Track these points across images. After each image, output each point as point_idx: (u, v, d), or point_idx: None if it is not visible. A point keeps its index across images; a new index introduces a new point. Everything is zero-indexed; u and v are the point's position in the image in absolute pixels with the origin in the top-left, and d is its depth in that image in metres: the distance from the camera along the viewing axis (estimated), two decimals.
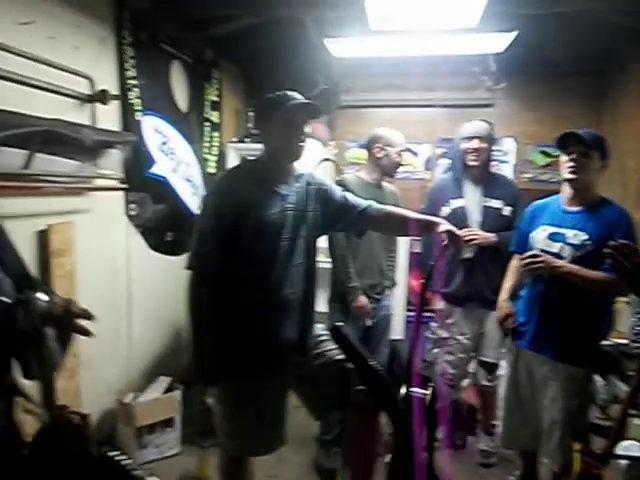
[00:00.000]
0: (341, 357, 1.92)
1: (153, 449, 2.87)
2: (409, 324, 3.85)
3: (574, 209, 2.20)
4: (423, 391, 1.64)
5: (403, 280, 3.78)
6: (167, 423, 2.92)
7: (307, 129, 1.92)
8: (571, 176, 2.15)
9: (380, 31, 3.12)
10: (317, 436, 2.75)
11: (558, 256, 2.14)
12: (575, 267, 2.08)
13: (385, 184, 2.89)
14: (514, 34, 3.23)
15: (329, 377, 1.99)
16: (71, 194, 2.55)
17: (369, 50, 3.60)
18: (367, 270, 2.79)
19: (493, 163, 2.95)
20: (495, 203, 2.77)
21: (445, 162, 4.44)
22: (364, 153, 2.92)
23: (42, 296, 1.27)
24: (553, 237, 2.20)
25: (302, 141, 1.90)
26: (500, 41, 3.38)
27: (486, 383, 2.92)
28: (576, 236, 2.13)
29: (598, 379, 2.67)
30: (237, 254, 1.85)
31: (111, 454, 0.97)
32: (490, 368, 2.90)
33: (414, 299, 3.82)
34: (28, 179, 2.13)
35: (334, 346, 1.98)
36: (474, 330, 2.87)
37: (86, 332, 1.32)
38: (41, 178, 2.19)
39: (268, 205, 1.86)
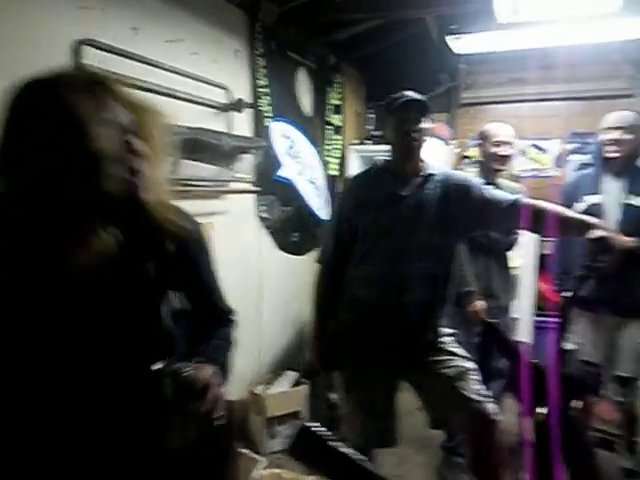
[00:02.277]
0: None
1: (281, 440, 2.99)
2: (538, 330, 3.66)
3: None
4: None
5: (531, 283, 3.60)
6: (295, 416, 3.04)
7: (423, 127, 1.89)
8: None
9: (508, 24, 3.01)
10: (441, 443, 2.72)
11: None
12: None
13: (504, 181, 2.77)
14: None
15: (445, 391, 1.91)
16: (212, 197, 2.75)
17: (494, 45, 3.48)
18: (485, 278, 2.70)
19: None
20: (639, 201, 2.55)
21: (577, 158, 4.16)
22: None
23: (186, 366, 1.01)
24: None
25: (415, 139, 1.88)
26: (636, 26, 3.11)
27: (617, 398, 2.69)
28: None
29: None
30: (356, 253, 1.93)
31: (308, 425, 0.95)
32: (623, 383, 2.67)
33: (544, 304, 3.63)
34: (179, 184, 2.32)
35: (457, 358, 1.94)
36: (606, 340, 2.67)
37: (214, 419, 1.01)
38: (188, 183, 2.39)
39: (382, 207, 1.88)
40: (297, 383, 3.17)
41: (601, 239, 1.70)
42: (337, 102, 4.15)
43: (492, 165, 2.73)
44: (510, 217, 1.88)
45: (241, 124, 2.93)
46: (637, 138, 2.57)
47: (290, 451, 0.94)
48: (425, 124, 1.91)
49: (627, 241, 2.48)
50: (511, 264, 2.89)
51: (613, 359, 2.68)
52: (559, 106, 4.20)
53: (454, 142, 4.29)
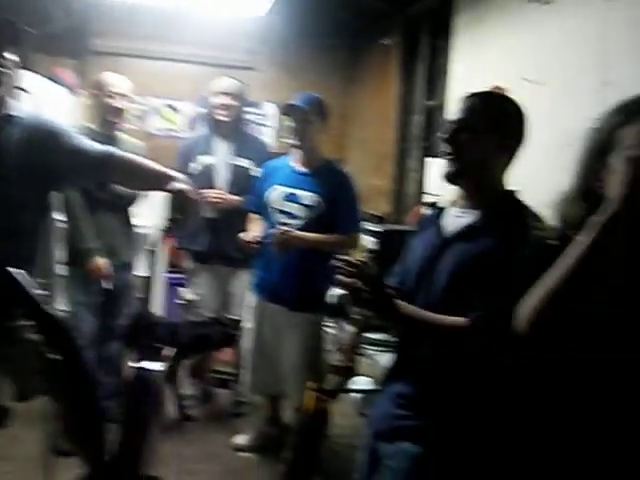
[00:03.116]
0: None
1: None
2: (172, 287, 3.77)
3: (304, 170, 2.37)
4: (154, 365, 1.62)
5: (159, 240, 3.65)
6: None
7: (8, 58, 1.62)
8: (294, 142, 2.32)
9: None
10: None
11: (294, 216, 2.31)
12: (312, 236, 2.28)
13: (124, 136, 2.70)
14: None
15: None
16: None
17: None
18: (106, 235, 2.61)
19: (247, 123, 3.01)
20: (245, 162, 2.81)
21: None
22: None
23: None
24: (288, 198, 2.34)
25: None
26: (260, 4, 3.42)
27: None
28: (310, 198, 2.31)
29: (331, 324, 2.97)
30: None
31: None
32: (236, 324, 3.00)
33: (174, 260, 3.75)
34: None
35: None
36: (220, 289, 2.92)
37: None
38: None
39: None
40: None
41: (179, 192, 1.70)
42: None
43: (107, 117, 2.62)
44: (98, 169, 1.77)
45: None
46: (242, 105, 2.83)
47: None
48: (11, 55, 1.63)
49: (235, 200, 2.75)
50: (136, 221, 2.86)
51: (227, 305, 2.96)
52: (191, 69, 4.33)
53: (83, 92, 3.98)
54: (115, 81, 2.64)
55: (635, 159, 0.75)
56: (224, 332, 2.77)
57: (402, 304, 1.24)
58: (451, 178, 1.29)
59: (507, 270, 1.12)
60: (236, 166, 2.80)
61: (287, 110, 2.33)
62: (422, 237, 1.38)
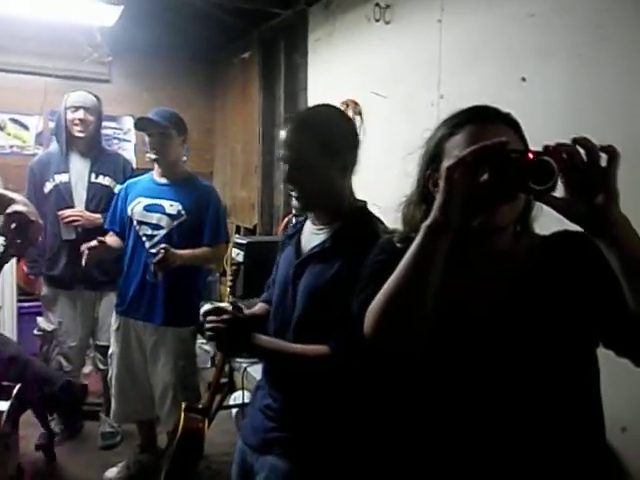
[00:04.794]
0: None
1: None
2: (22, 316, 3.47)
3: (166, 181, 2.33)
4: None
5: (11, 268, 3.36)
6: None
7: None
8: (154, 156, 2.27)
9: None
10: None
11: (157, 226, 2.25)
12: (187, 252, 2.23)
13: None
14: (120, 8, 3.18)
15: None
16: None
17: None
18: None
19: (105, 138, 2.88)
20: (105, 180, 2.69)
21: None
22: None
23: None
24: (150, 208, 2.29)
25: None
26: (108, 14, 3.28)
27: (102, 367, 2.83)
28: (172, 206, 2.27)
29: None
30: None
31: None
32: (105, 351, 2.84)
33: (27, 288, 3.45)
34: None
35: None
36: (85, 314, 2.75)
37: None
38: None
39: None
40: None
41: (17, 214, 1.55)
42: None
43: None
44: None
45: None
46: (98, 119, 2.71)
47: None
48: None
49: (94, 217, 2.61)
50: None
51: (95, 330, 2.79)
52: (40, 81, 4.03)
53: None
54: None
55: (451, 168, 0.80)
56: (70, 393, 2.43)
57: (262, 339, 1.27)
58: (301, 212, 1.34)
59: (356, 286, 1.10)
60: (94, 184, 2.67)
61: (142, 124, 2.28)
62: (284, 255, 1.40)
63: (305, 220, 1.40)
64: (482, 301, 0.93)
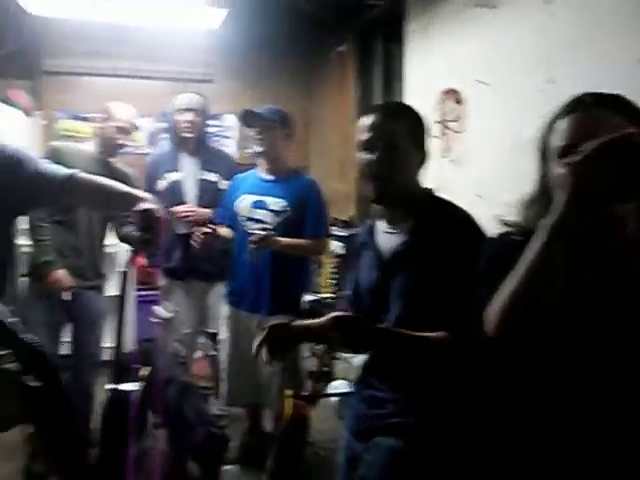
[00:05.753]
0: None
1: None
2: (141, 304, 3.74)
3: (270, 177, 2.41)
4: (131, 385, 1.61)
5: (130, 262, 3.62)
6: None
7: None
8: (259, 148, 2.33)
9: None
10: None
11: (262, 222, 2.33)
12: (286, 240, 2.28)
13: (116, 163, 2.70)
14: (226, 11, 3.32)
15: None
16: None
17: (76, 11, 3.28)
18: (71, 253, 2.58)
19: (210, 136, 3.02)
20: (212, 176, 2.82)
21: (167, 137, 4.38)
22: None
23: None
24: (256, 205, 2.38)
25: None
26: (214, 16, 3.44)
27: (213, 352, 3.01)
28: (276, 203, 2.34)
29: None
30: None
31: None
32: (214, 338, 3.00)
33: (145, 278, 3.72)
34: None
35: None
36: (196, 304, 2.91)
37: None
38: None
39: None
40: None
41: (146, 211, 1.65)
42: None
43: (108, 146, 2.63)
44: (59, 194, 1.72)
45: None
46: (204, 120, 2.85)
47: None
48: None
49: (205, 212, 2.76)
50: (106, 241, 2.84)
51: (204, 319, 2.96)
52: (148, 84, 4.31)
53: (38, 113, 3.93)
54: (121, 111, 2.65)
55: (574, 164, 0.77)
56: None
57: (376, 328, 1.27)
58: (380, 201, 1.32)
59: (461, 274, 1.10)
60: (204, 180, 2.81)
61: (249, 118, 2.34)
62: (364, 262, 1.39)
63: (373, 224, 1.39)
64: (604, 293, 0.90)
